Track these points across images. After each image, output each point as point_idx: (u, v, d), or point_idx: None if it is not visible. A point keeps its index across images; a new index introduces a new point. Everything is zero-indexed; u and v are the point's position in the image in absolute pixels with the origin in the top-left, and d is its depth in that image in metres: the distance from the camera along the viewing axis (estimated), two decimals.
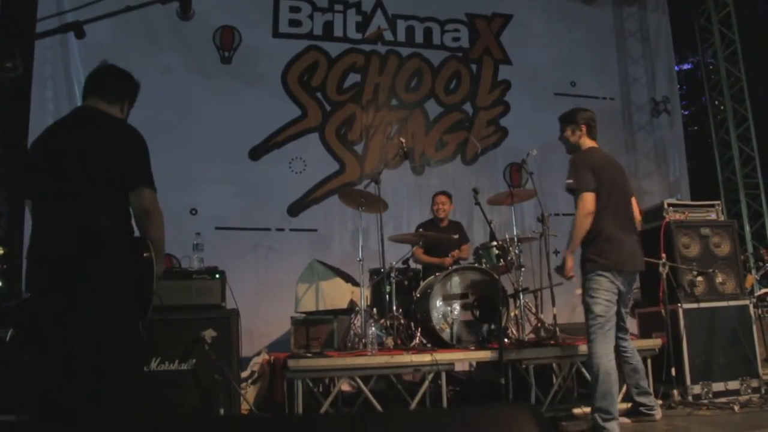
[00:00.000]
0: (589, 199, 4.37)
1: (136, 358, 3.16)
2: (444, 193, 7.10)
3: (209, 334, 4.55)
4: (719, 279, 5.85)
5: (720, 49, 10.16)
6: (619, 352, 4.60)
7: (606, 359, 4.30)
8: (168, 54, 7.86)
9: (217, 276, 4.86)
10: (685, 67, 13.19)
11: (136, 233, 3.13)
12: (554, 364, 5.47)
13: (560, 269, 4.57)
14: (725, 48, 10.16)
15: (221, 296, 4.82)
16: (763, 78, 11.09)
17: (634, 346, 4.76)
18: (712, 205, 6.31)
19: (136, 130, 3.14)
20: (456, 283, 5.66)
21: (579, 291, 4.46)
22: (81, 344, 2.87)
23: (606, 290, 4.37)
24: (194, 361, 4.49)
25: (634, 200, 4.76)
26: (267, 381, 5.44)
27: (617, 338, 4.53)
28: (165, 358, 4.47)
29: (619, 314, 4.50)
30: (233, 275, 6.41)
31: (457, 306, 5.59)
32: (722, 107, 10.22)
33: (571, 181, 4.46)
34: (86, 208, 2.91)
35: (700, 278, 5.80)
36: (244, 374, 5.40)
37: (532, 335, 5.95)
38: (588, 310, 4.42)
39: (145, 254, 3.05)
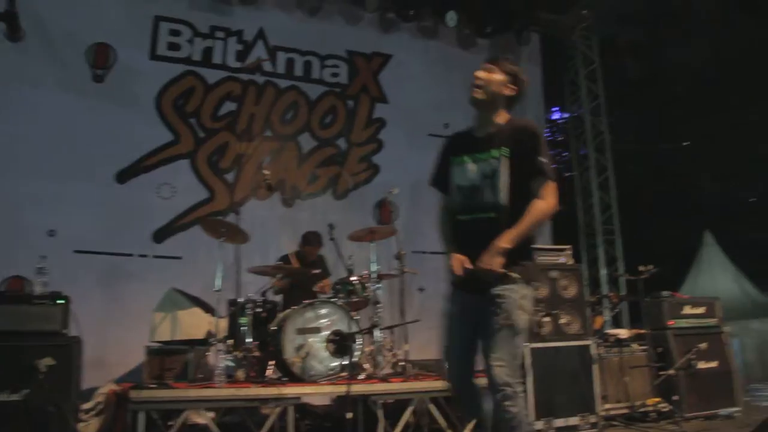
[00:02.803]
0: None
1: None
2: (314, 234, 7.13)
3: (46, 362, 4.39)
4: (564, 320, 6.16)
5: (586, 102, 10.84)
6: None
7: None
8: (37, 67, 7.56)
9: (60, 302, 4.70)
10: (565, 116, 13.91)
11: None
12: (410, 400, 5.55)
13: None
14: (591, 101, 10.85)
15: (63, 323, 4.67)
16: (624, 130, 11.89)
17: None
18: (563, 249, 6.67)
19: None
20: (311, 317, 5.68)
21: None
22: None
23: None
24: (27, 391, 4.31)
25: None
26: (111, 413, 5.25)
27: None
28: None
29: None
30: (91, 301, 6.22)
31: (310, 340, 5.60)
32: (587, 157, 10.89)
33: (545, 160, 3.38)
34: None
35: (547, 318, 6.09)
36: (87, 405, 5.20)
37: (389, 371, 6.05)
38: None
39: None
